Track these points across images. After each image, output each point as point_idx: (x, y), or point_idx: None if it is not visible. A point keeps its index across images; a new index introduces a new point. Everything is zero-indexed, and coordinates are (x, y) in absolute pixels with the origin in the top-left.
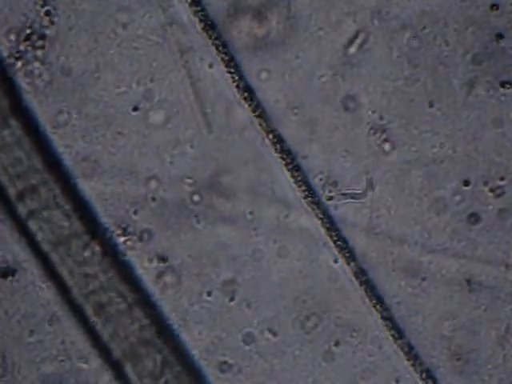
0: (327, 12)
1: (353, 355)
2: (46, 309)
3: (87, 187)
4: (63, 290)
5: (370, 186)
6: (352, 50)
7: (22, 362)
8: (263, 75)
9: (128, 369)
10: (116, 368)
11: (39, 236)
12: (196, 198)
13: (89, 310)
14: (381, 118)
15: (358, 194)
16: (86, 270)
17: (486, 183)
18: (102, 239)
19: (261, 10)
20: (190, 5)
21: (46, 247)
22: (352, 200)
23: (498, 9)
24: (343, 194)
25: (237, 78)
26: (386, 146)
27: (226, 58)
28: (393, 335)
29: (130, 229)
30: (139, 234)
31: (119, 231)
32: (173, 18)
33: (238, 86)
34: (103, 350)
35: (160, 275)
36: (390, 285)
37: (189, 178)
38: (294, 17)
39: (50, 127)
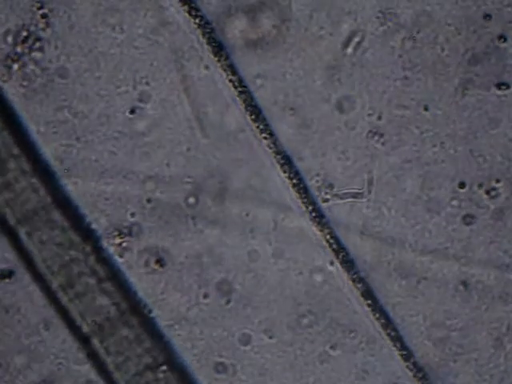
0: (324, 13)
1: (349, 357)
2: (42, 312)
3: (82, 188)
4: (55, 297)
5: (371, 185)
6: (349, 51)
7: (18, 364)
8: (259, 77)
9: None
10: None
11: (31, 242)
12: (192, 199)
13: (79, 317)
14: (377, 119)
15: (359, 193)
16: (80, 275)
17: (481, 185)
18: (95, 242)
19: (255, 12)
20: (185, 5)
21: (38, 256)
22: (352, 199)
23: (490, 19)
24: (344, 194)
25: (233, 79)
26: (382, 148)
27: (223, 59)
28: (389, 337)
29: (127, 230)
30: (136, 236)
31: (115, 233)
32: (168, 20)
33: (234, 88)
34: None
35: (156, 276)
36: (385, 286)
37: (185, 179)
38: (290, 19)
39: (45, 128)
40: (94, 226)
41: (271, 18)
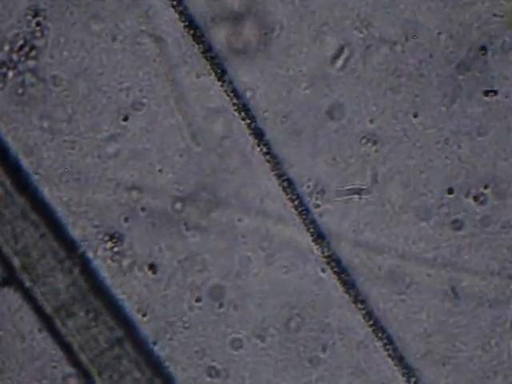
0: (313, 22)
1: (339, 360)
2: (36, 316)
3: (73, 194)
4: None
5: (375, 181)
6: (339, 61)
7: (12, 368)
8: (250, 84)
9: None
10: None
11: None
12: (185, 206)
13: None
14: (366, 126)
15: (363, 189)
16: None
17: (469, 191)
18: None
19: (242, 20)
20: (176, 12)
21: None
22: (357, 196)
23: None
24: (348, 190)
25: (225, 87)
26: (373, 155)
27: (215, 67)
28: (380, 340)
29: (119, 236)
30: (128, 241)
31: (107, 238)
32: (161, 28)
33: (226, 95)
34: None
35: (149, 281)
36: (375, 291)
37: (178, 186)
38: (278, 27)
39: (37, 135)
40: (87, 231)
41: (258, 26)
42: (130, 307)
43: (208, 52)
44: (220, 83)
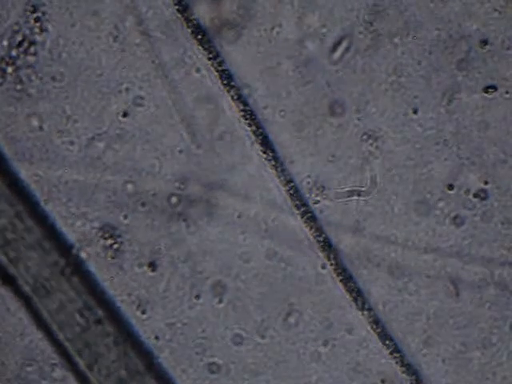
0: (313, 17)
1: (340, 356)
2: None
3: (74, 195)
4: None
5: (375, 178)
6: (336, 55)
7: (11, 364)
8: (250, 82)
9: None
10: None
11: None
12: (185, 201)
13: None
14: (366, 123)
15: (363, 191)
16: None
17: (470, 187)
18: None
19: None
20: (179, 11)
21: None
22: (357, 197)
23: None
24: (348, 192)
25: (226, 82)
26: (374, 151)
27: (215, 63)
28: (379, 335)
29: (119, 232)
30: (128, 237)
31: (107, 235)
32: (159, 29)
33: (227, 91)
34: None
35: (149, 277)
36: (376, 285)
37: (178, 181)
38: (280, 24)
39: (35, 136)
40: (87, 229)
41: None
42: (129, 305)
43: (208, 47)
44: (220, 82)
